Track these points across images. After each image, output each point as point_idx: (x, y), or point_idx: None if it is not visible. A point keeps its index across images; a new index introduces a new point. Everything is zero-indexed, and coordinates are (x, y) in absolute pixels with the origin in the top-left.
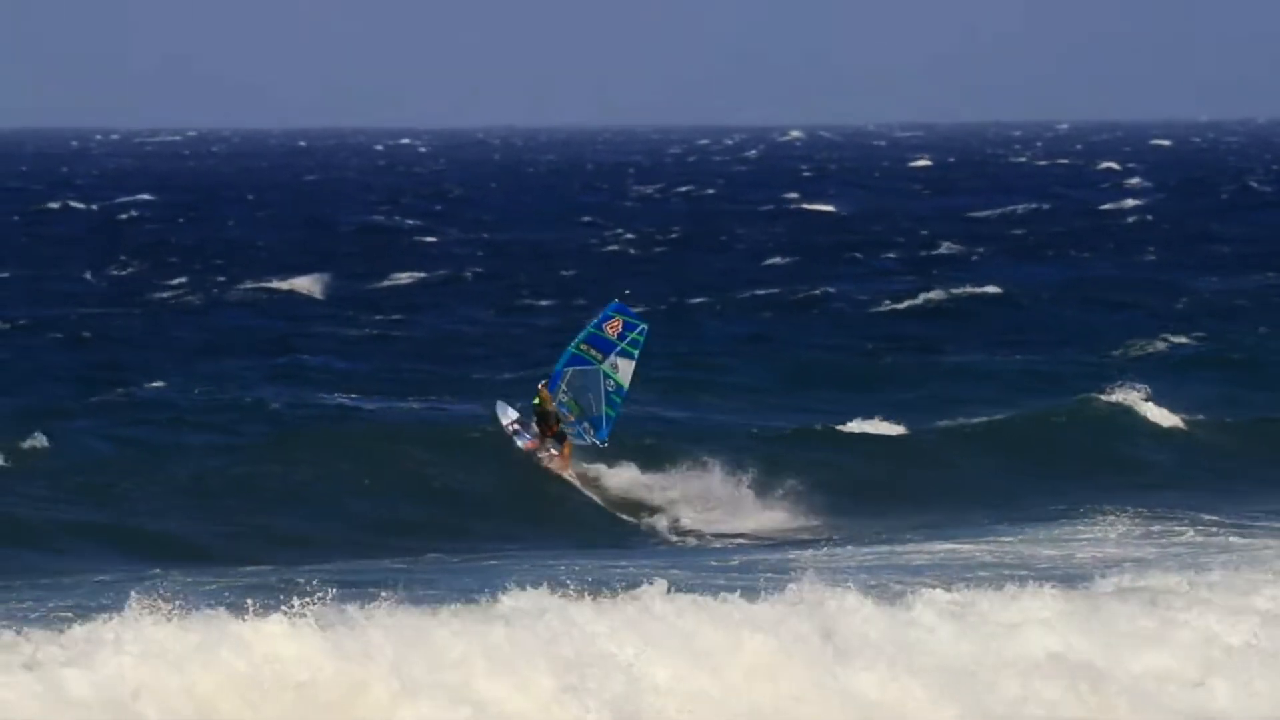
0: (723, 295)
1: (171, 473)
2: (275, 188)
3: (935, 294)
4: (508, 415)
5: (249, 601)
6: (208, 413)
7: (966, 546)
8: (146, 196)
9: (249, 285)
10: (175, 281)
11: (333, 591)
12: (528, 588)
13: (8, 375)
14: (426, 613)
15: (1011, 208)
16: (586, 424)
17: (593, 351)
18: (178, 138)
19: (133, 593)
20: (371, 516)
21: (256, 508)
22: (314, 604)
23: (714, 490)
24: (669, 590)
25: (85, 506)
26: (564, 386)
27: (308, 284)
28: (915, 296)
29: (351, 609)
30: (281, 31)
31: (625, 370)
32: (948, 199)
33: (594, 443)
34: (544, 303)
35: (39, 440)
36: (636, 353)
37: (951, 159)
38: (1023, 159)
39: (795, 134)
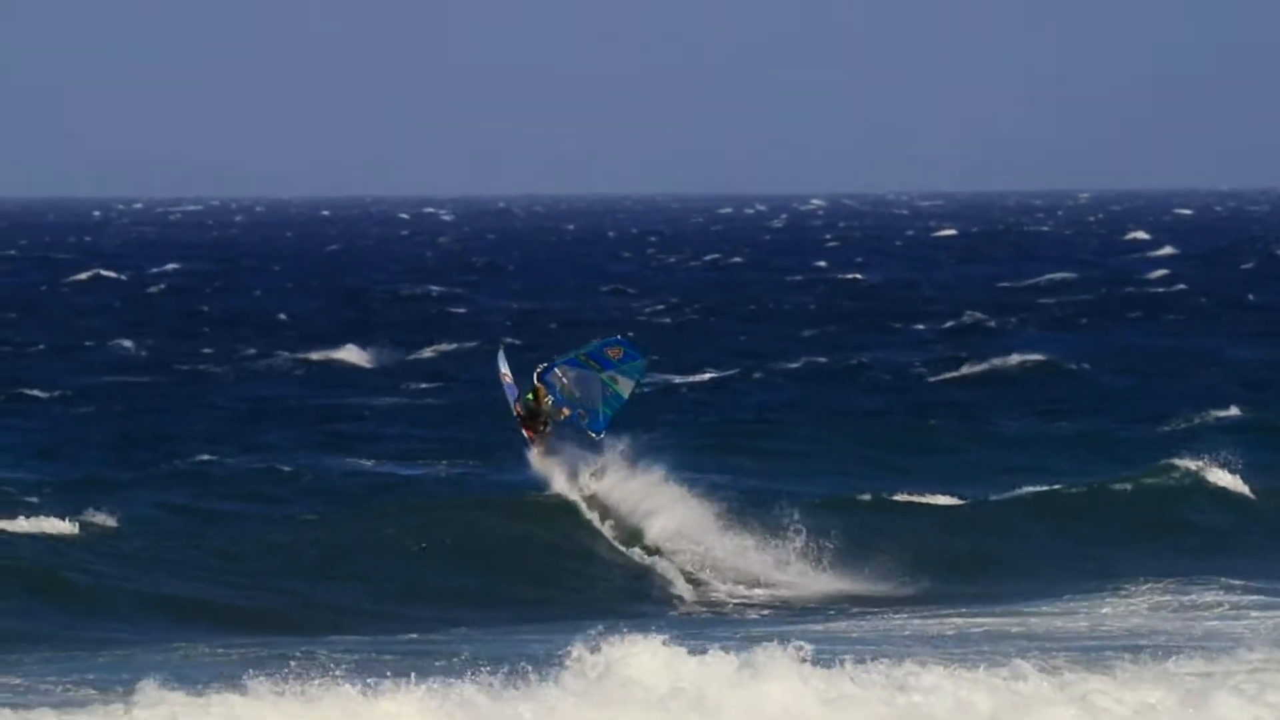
0: (761, 363)
1: (225, 541)
2: (301, 257)
3: (976, 362)
4: (505, 366)
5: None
6: (253, 482)
7: (1050, 616)
8: (174, 266)
9: (283, 355)
10: (210, 351)
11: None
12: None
13: (51, 445)
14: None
15: (1043, 277)
16: (582, 410)
17: (593, 363)
18: (199, 207)
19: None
20: (423, 584)
21: (316, 575)
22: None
23: (756, 556)
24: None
25: (148, 576)
26: (561, 376)
27: (342, 354)
28: (955, 365)
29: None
30: (301, 101)
31: (625, 385)
32: (975, 267)
33: (589, 433)
34: None
35: (95, 512)
36: (637, 378)
37: (975, 228)
38: (1046, 228)
39: (817, 203)
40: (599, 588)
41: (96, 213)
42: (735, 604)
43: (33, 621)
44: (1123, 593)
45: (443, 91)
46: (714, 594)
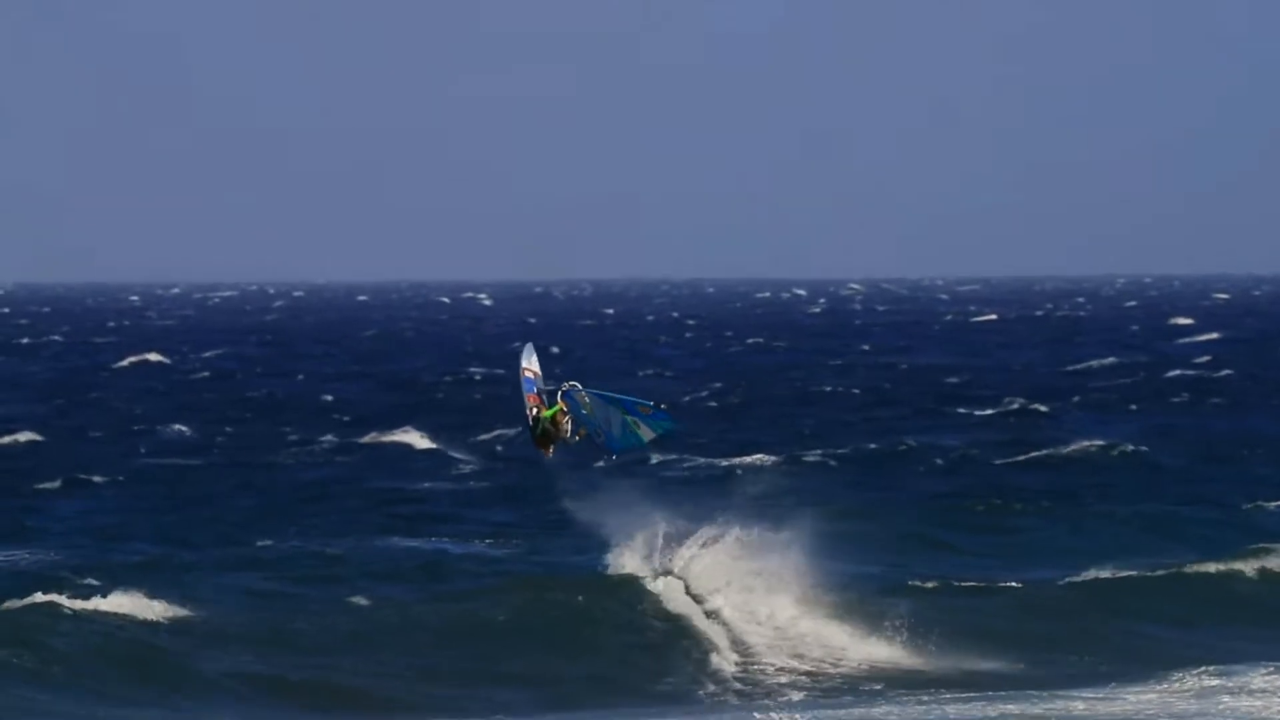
0: (810, 446)
1: (289, 622)
2: (342, 341)
3: (1030, 447)
4: (531, 360)
5: None
6: (315, 564)
7: (1094, 700)
8: (218, 351)
9: (330, 438)
10: (260, 434)
11: None
12: None
13: (111, 527)
14: None
15: (1089, 362)
16: (599, 429)
17: (620, 407)
18: (235, 292)
19: None
20: (494, 664)
21: (393, 656)
22: None
23: (825, 636)
24: None
25: (225, 656)
26: (584, 397)
27: (396, 437)
28: (1011, 449)
29: None
30: (336, 189)
31: (646, 432)
32: (1019, 353)
33: (606, 451)
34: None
35: (164, 594)
36: (659, 432)
37: (1014, 313)
38: (1083, 313)
39: (856, 287)
40: (671, 668)
41: (135, 297)
42: (790, 682)
43: (118, 700)
44: (1173, 678)
45: (480, 172)
46: (770, 673)
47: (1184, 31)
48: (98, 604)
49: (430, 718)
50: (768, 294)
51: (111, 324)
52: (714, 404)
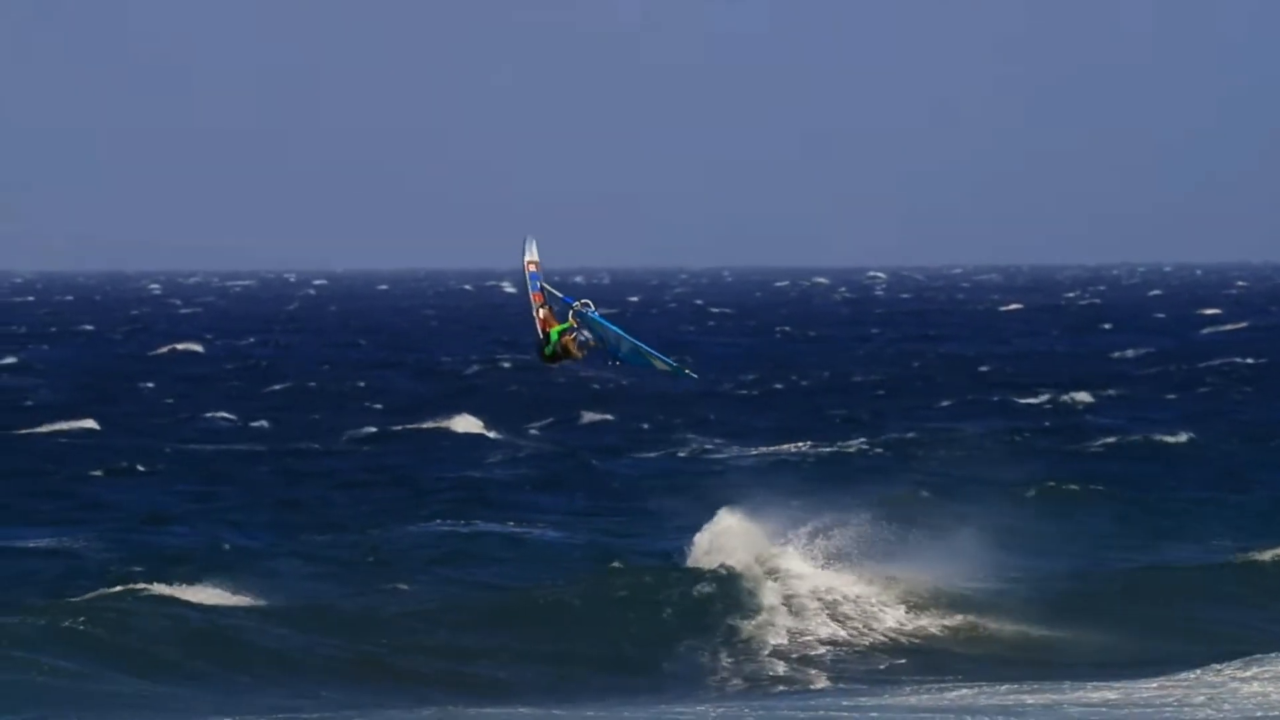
0: (858, 433)
1: (363, 609)
2: (378, 330)
3: (1088, 435)
4: (532, 250)
5: None
6: (394, 547)
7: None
8: (252, 339)
9: (382, 425)
10: (308, 421)
11: None
12: None
13: (174, 514)
14: None
15: (1124, 351)
16: (608, 341)
17: (639, 346)
18: (252, 282)
19: None
20: (586, 651)
21: (476, 642)
22: None
23: (922, 623)
24: None
25: (306, 641)
26: (600, 322)
27: (450, 424)
28: (1071, 437)
29: None
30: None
31: (658, 362)
32: (1046, 340)
33: (608, 359)
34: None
35: (233, 580)
36: (670, 368)
37: (1036, 302)
38: (1098, 300)
39: (878, 275)
40: (735, 654)
41: (156, 286)
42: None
43: (205, 684)
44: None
45: (498, 162)
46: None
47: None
48: (166, 590)
49: (486, 699)
50: (786, 282)
51: (135, 312)
52: (754, 393)
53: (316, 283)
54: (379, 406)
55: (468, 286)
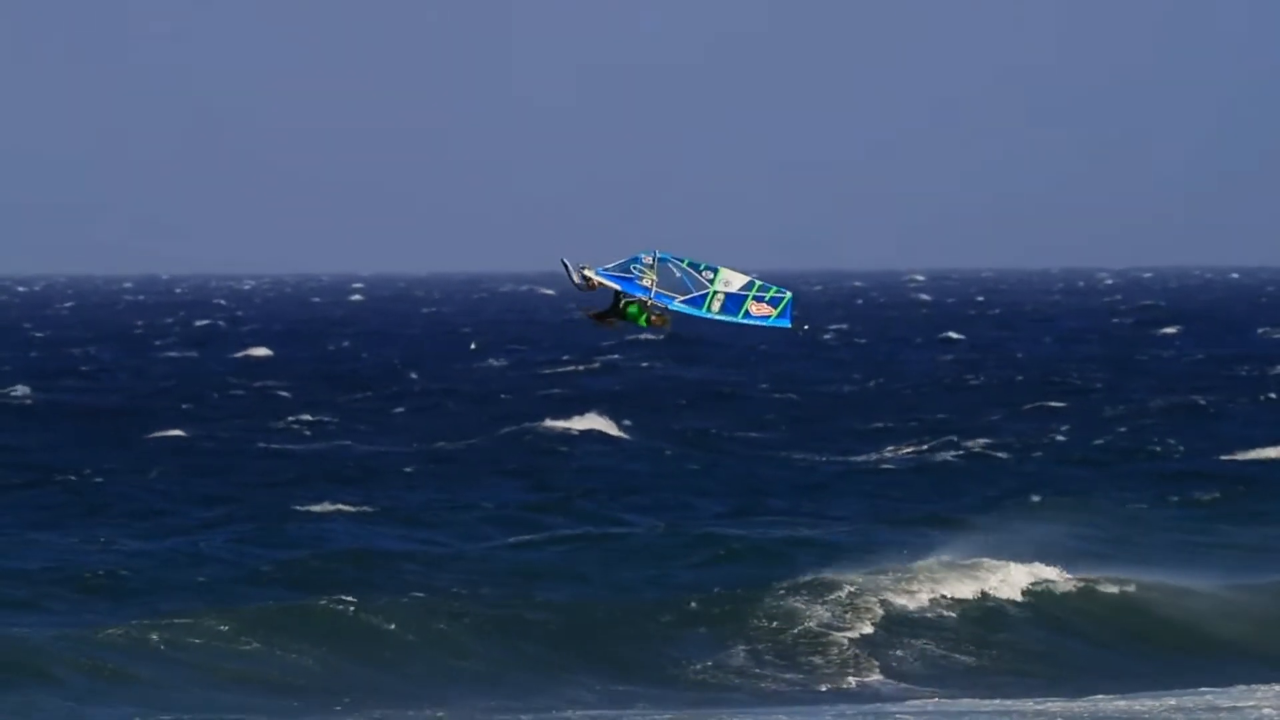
0: (966, 436)
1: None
2: (434, 338)
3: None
4: (579, 274)
5: None
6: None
7: None
8: (346, 344)
9: (506, 426)
10: (449, 423)
11: None
12: None
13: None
14: None
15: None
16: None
17: (715, 304)
18: (253, 283)
19: None
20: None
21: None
22: None
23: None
24: None
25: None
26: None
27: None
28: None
29: None
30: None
31: (765, 309)
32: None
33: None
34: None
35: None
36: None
37: (1073, 314)
38: (1157, 301)
39: (919, 277)
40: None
41: (180, 289)
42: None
43: (335, 672)
44: None
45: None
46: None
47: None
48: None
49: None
50: (820, 286)
51: (170, 319)
52: (853, 390)
53: (356, 285)
54: (505, 398)
55: (506, 288)
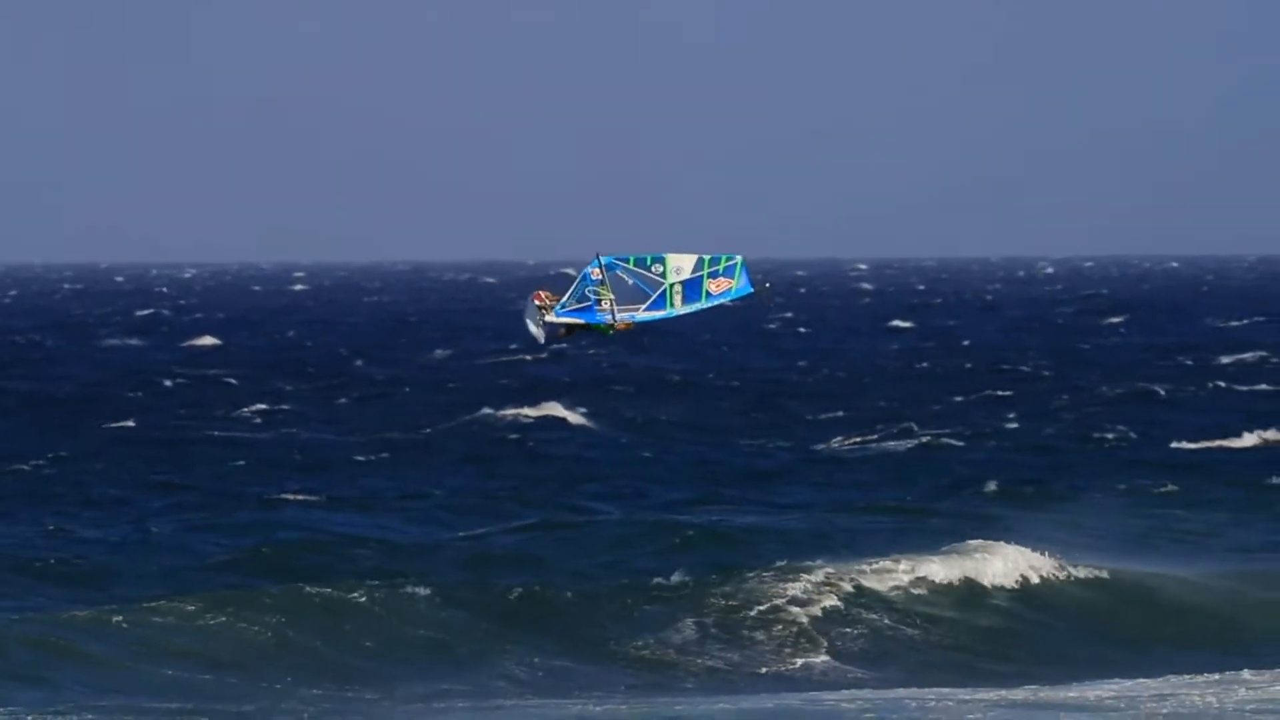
0: (924, 427)
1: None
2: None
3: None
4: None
5: None
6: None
7: None
8: (291, 333)
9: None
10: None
11: None
12: None
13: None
14: None
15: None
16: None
17: (677, 299)
18: (193, 271)
19: None
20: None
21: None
22: None
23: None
24: None
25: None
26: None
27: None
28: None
29: None
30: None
31: (723, 283)
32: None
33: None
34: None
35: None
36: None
37: (1012, 302)
38: (1104, 290)
39: (862, 266)
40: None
41: (120, 278)
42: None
43: (285, 652)
44: None
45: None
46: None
47: None
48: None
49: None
50: (760, 276)
51: (111, 309)
52: (808, 380)
53: (306, 268)
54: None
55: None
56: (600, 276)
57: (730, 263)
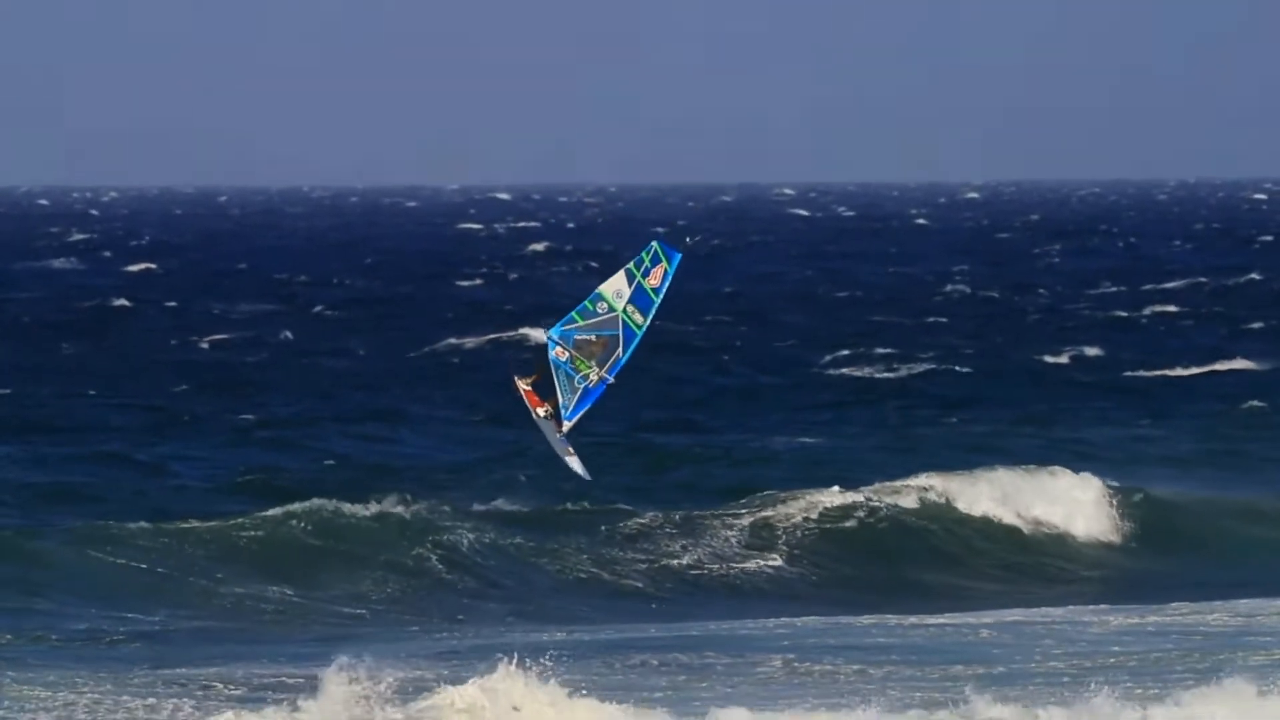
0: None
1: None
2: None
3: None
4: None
5: None
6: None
7: None
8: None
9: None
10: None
11: None
12: None
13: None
14: None
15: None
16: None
17: (636, 316)
18: (115, 194)
19: None
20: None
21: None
22: None
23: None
24: None
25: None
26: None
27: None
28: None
29: None
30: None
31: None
32: (1034, 260)
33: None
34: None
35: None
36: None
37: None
38: (1034, 215)
39: (788, 191)
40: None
41: (90, 200)
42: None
43: (406, 600)
44: None
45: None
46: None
47: None
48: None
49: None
50: (692, 204)
51: (50, 231)
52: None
53: (352, 199)
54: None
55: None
56: (565, 354)
57: (650, 253)
